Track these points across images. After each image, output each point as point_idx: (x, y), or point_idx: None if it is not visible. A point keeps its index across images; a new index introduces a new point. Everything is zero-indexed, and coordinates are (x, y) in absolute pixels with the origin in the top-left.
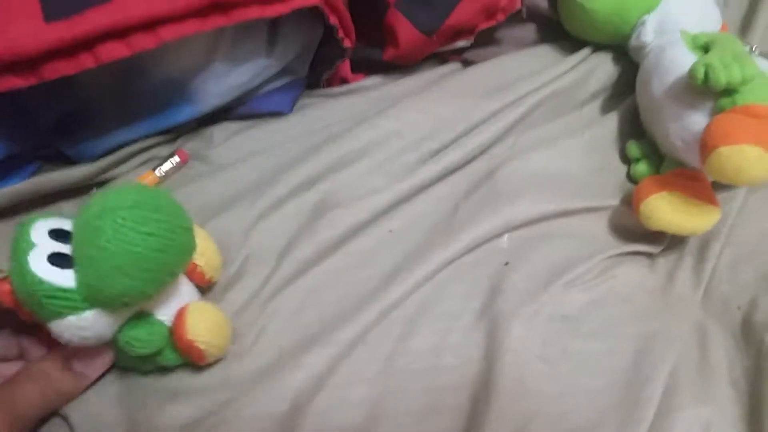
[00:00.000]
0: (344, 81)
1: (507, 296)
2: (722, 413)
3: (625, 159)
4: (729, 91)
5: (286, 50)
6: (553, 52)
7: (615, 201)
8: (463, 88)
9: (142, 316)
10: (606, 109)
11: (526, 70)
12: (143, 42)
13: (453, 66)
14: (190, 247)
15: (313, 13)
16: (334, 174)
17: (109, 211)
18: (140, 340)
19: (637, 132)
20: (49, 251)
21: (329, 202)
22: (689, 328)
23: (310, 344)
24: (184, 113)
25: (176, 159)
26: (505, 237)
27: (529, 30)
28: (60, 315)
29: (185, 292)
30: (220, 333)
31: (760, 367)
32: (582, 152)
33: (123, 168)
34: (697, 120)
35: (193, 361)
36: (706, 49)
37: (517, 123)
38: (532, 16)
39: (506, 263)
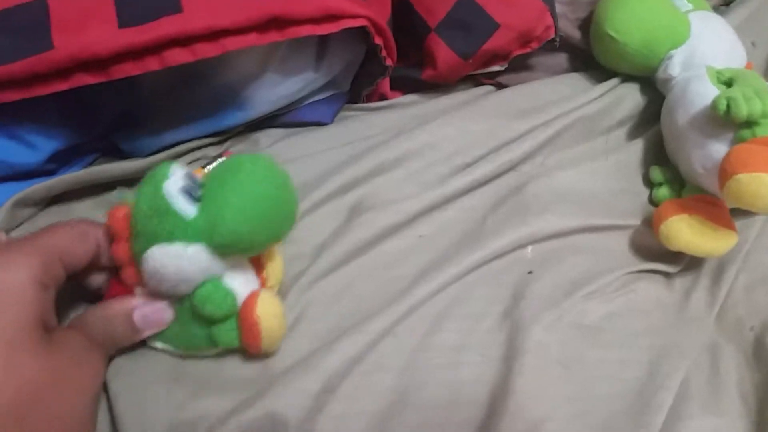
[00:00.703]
0: (383, 97)
1: (529, 303)
2: (731, 426)
3: (648, 183)
4: (749, 123)
5: (332, 65)
6: (583, 80)
7: (636, 221)
8: (495, 108)
9: (219, 282)
10: (631, 135)
11: (557, 96)
12: (206, 50)
13: (487, 88)
14: (294, 220)
15: (360, 32)
16: (370, 180)
17: (247, 161)
18: (213, 300)
19: (660, 159)
20: (182, 184)
21: (364, 204)
22: (702, 344)
23: (343, 332)
24: (235, 118)
25: (224, 159)
26: (530, 248)
27: (561, 58)
28: (169, 238)
29: (253, 279)
30: (280, 326)
31: None
32: (607, 174)
33: None
34: (718, 149)
35: (246, 343)
36: (729, 83)
37: (546, 144)
38: (565, 45)
39: (530, 272)
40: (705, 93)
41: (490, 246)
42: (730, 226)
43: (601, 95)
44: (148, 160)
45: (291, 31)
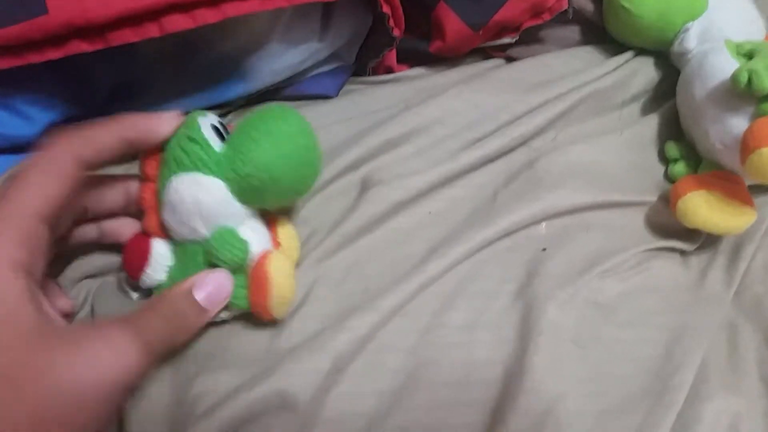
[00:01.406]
0: (389, 70)
1: (543, 280)
2: (751, 406)
3: (663, 159)
4: None
5: (337, 36)
6: (596, 54)
7: (652, 197)
8: (506, 82)
9: (235, 230)
10: (645, 110)
11: (569, 69)
12: (207, 16)
13: (497, 61)
14: (317, 172)
15: (366, 1)
16: (378, 157)
17: (276, 107)
18: (229, 242)
19: (675, 134)
20: (215, 123)
21: (372, 179)
22: (719, 323)
23: (352, 310)
24: (237, 89)
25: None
26: (543, 225)
27: (573, 31)
28: (193, 168)
29: (267, 241)
30: (290, 288)
31: None
32: (621, 149)
33: None
34: (738, 123)
35: (255, 302)
36: (749, 56)
37: (558, 118)
38: (577, 18)
39: (543, 249)
40: (724, 66)
41: (501, 222)
42: (749, 203)
43: (615, 69)
44: None
45: None
